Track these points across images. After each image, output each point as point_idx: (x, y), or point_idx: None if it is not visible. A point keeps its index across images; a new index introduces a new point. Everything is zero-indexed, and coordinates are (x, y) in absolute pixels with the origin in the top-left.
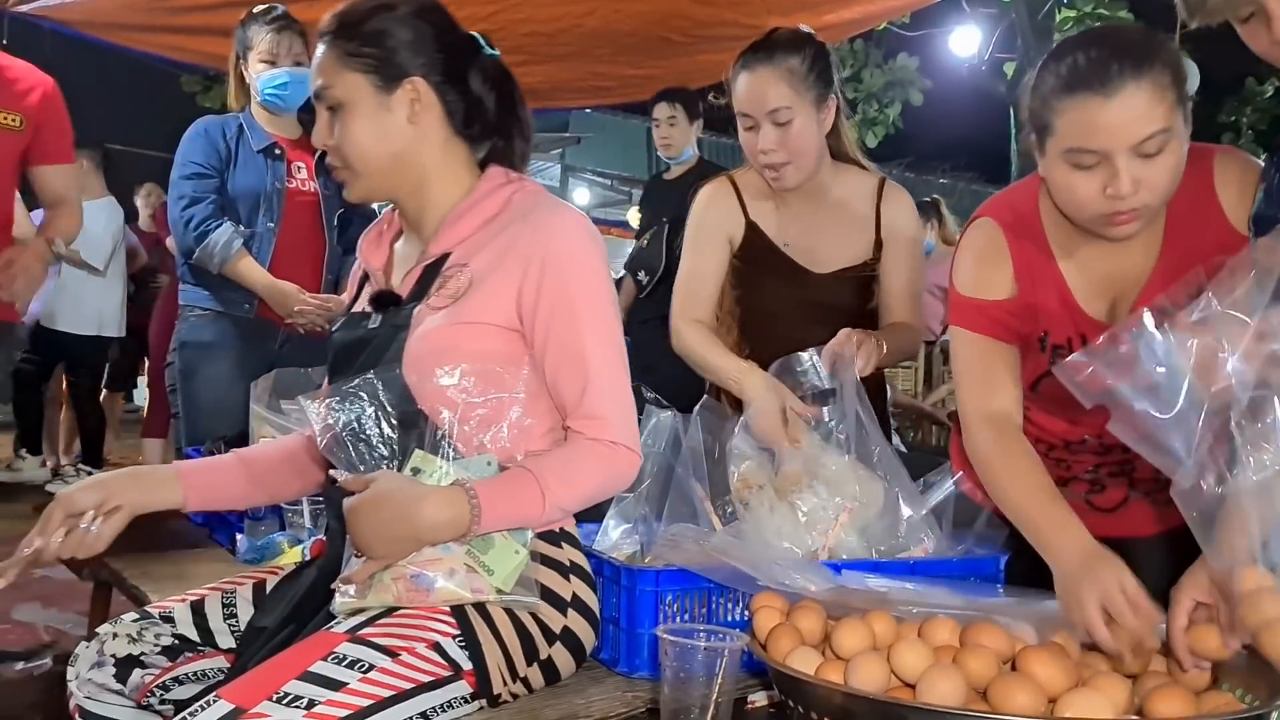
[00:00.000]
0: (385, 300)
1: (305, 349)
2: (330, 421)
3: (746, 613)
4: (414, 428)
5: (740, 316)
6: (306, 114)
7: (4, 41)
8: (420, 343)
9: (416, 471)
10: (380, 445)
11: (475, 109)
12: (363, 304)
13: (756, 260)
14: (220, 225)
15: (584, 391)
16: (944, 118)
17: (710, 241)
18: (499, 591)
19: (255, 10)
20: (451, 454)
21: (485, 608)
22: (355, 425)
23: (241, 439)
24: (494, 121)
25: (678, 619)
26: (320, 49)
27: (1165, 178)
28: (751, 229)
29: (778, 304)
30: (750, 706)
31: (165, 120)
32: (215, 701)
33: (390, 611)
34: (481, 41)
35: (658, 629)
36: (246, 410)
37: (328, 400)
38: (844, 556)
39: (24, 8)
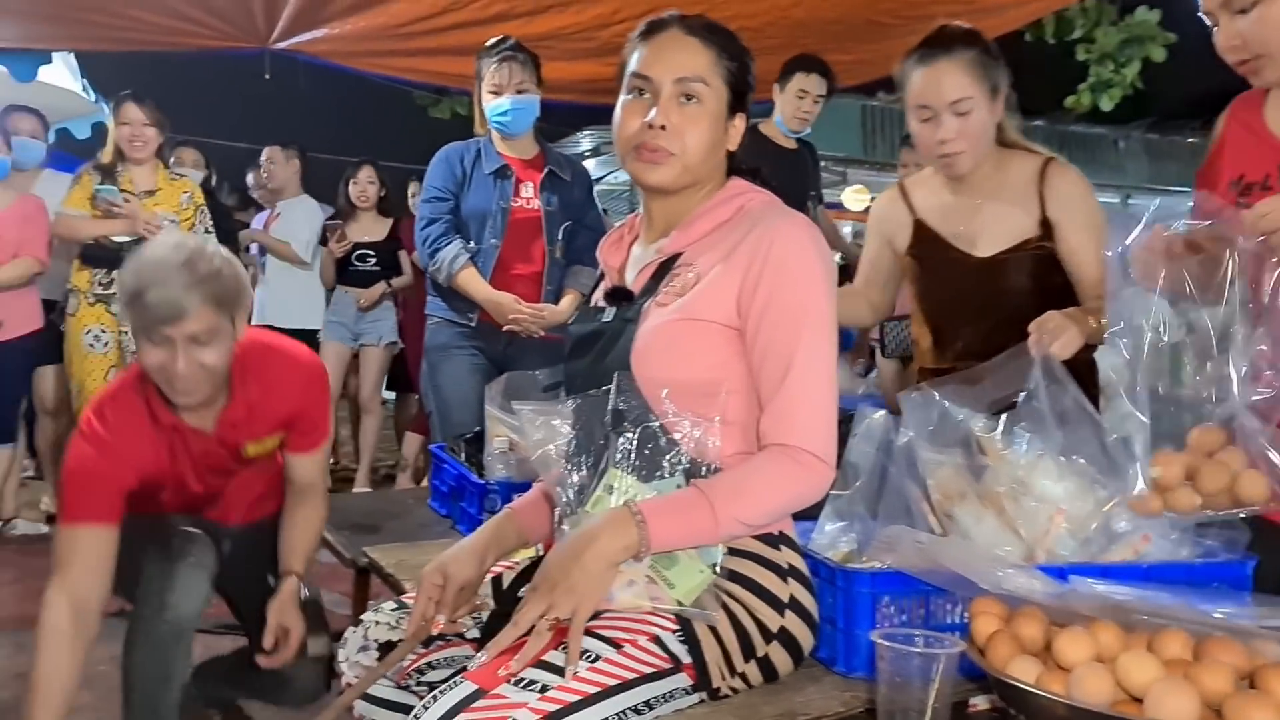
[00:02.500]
0: (618, 295)
1: (530, 349)
2: (538, 437)
3: (966, 616)
4: (619, 435)
5: (927, 311)
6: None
7: (267, 76)
8: (648, 337)
9: (610, 489)
10: (581, 463)
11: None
12: (599, 300)
13: (928, 255)
14: (450, 243)
15: (779, 389)
16: (1190, 73)
17: (873, 242)
18: (679, 603)
19: (487, 44)
20: (645, 471)
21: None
22: (565, 441)
23: (479, 437)
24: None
25: (895, 621)
26: (700, 40)
27: None
28: (920, 227)
29: (954, 292)
30: (972, 710)
31: (402, 133)
32: (460, 682)
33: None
34: None
35: (873, 634)
36: (484, 409)
37: (542, 416)
38: (1063, 554)
39: (282, 45)
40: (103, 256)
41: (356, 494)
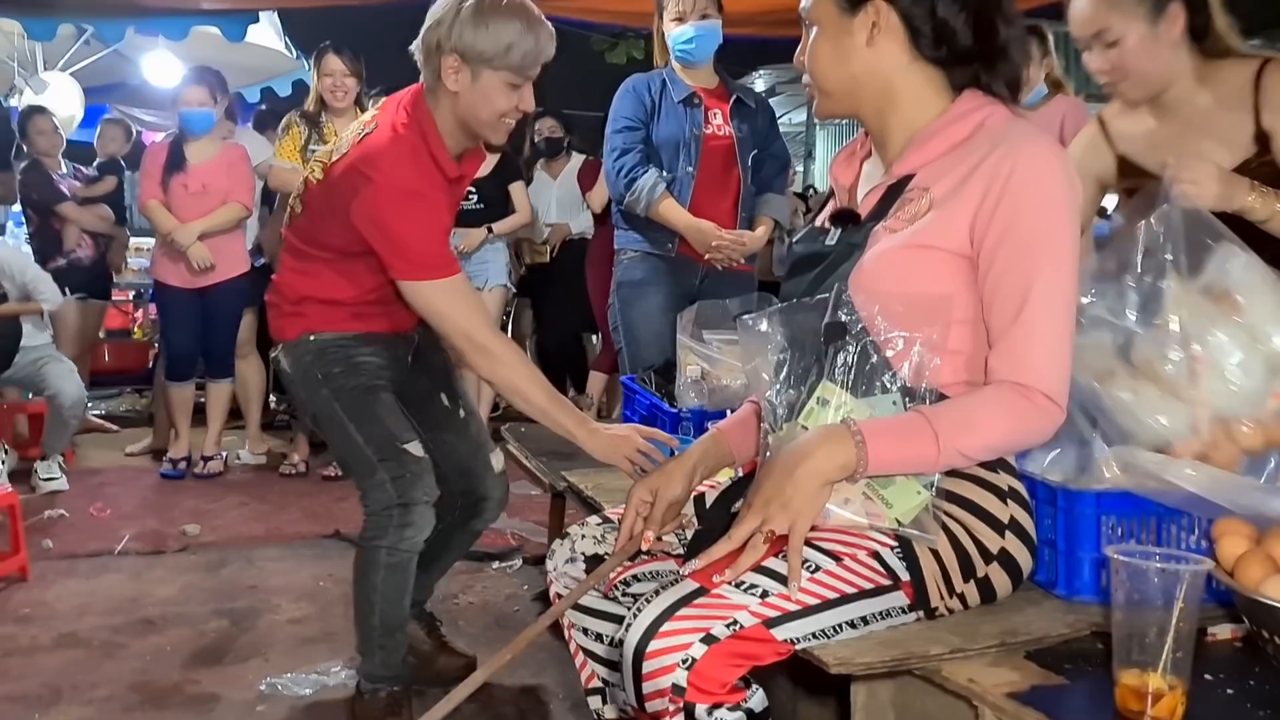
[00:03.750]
0: (845, 218)
1: (724, 283)
2: (754, 346)
3: (1204, 542)
4: (838, 350)
5: None
6: None
7: None
8: (873, 262)
9: (823, 402)
10: (791, 377)
11: (943, 32)
12: (825, 220)
13: (1137, 193)
14: (646, 172)
15: (1011, 326)
16: None
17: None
18: (897, 523)
19: None
20: (862, 387)
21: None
22: (780, 350)
23: (669, 367)
24: (968, 46)
25: (1122, 543)
26: None
27: None
28: (1125, 164)
29: None
30: (1212, 639)
31: (579, 78)
32: (682, 580)
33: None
34: None
35: (1109, 549)
36: (674, 341)
37: (760, 323)
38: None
39: None
40: None
41: None
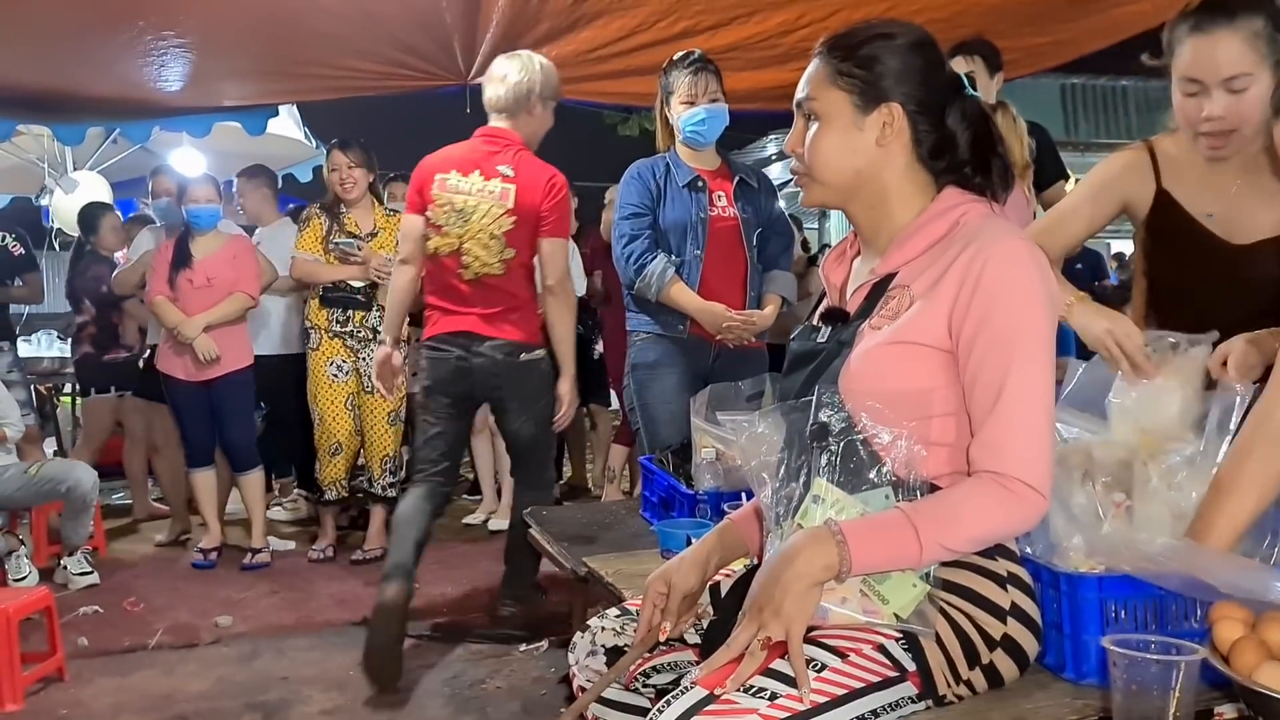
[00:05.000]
0: (834, 316)
1: (737, 360)
2: (747, 448)
3: (1206, 623)
4: (823, 450)
5: (1148, 290)
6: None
7: (468, 110)
8: (858, 360)
9: (817, 499)
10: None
11: (946, 143)
12: (817, 318)
13: (1170, 234)
14: (655, 257)
15: (988, 417)
16: None
17: (1100, 200)
18: (895, 617)
19: (675, 58)
20: (853, 483)
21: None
22: (777, 450)
23: (687, 448)
24: (964, 158)
25: (1126, 627)
26: (814, 63)
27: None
28: (1164, 200)
29: (1192, 279)
30: (1220, 718)
31: (593, 152)
32: (692, 688)
33: None
34: (966, 83)
35: (1104, 640)
36: (690, 421)
37: (747, 427)
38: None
39: (480, 80)
40: (339, 298)
41: (570, 506)
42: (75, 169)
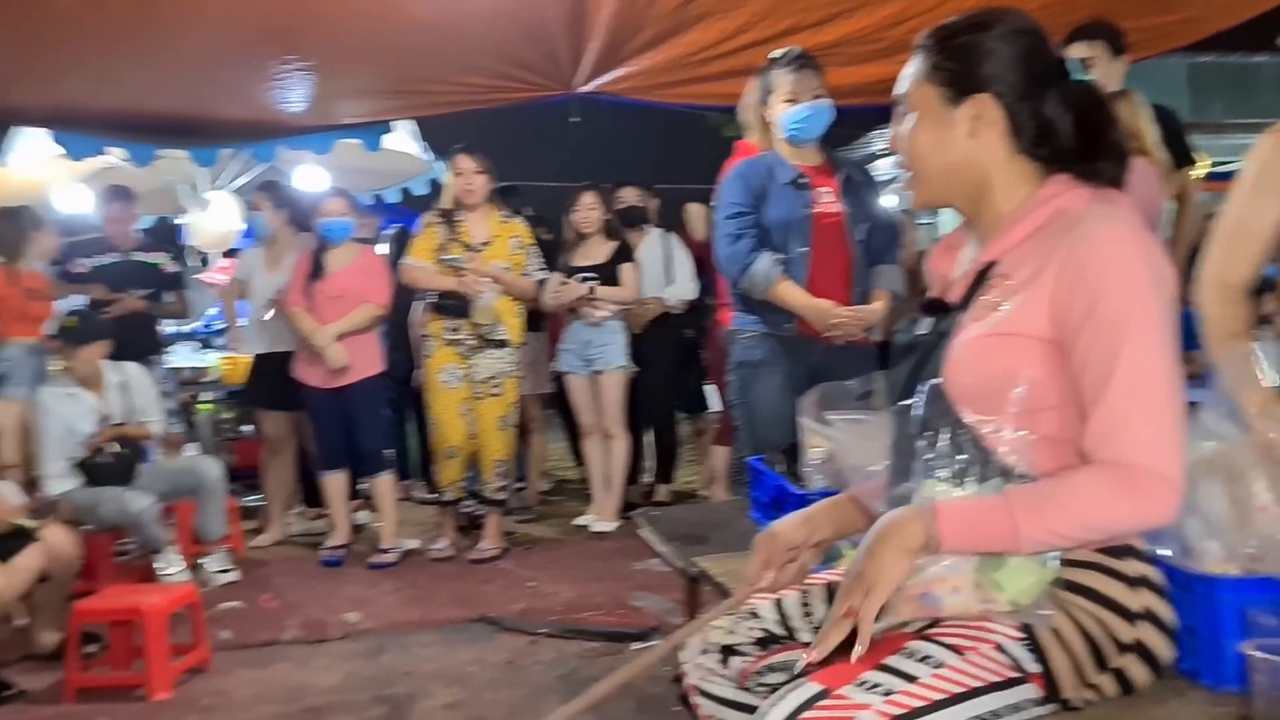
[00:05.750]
0: (934, 307)
1: (844, 357)
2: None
3: None
4: (931, 446)
5: None
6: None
7: (574, 119)
8: (959, 351)
9: (927, 500)
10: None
11: (1047, 131)
12: (920, 308)
13: None
14: (760, 256)
15: (1099, 404)
16: None
17: (1273, 192)
18: (1013, 605)
19: (773, 56)
20: (961, 479)
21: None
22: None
23: (793, 450)
24: (1071, 145)
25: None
26: (913, 57)
27: None
28: None
29: None
30: None
31: (697, 154)
32: (804, 683)
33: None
34: (1071, 68)
35: (1245, 645)
36: (796, 421)
37: (856, 427)
38: None
39: (586, 88)
40: (449, 308)
41: (679, 507)
42: (209, 189)
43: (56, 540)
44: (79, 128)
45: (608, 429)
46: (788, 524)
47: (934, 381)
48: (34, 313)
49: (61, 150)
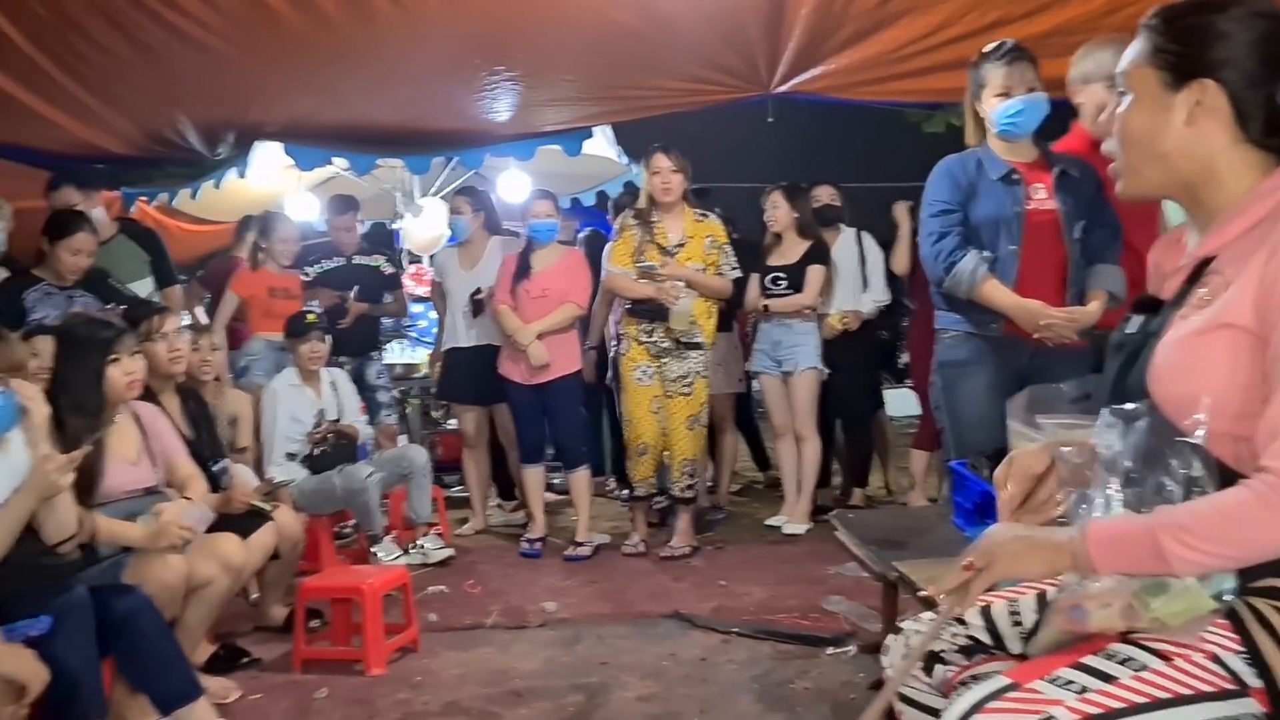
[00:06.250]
0: (1146, 305)
1: (1056, 359)
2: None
3: None
4: (1138, 460)
5: None
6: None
7: (770, 119)
8: (1166, 352)
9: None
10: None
11: (1278, 120)
12: (1132, 306)
13: None
14: (966, 254)
15: (1269, 404)
16: None
17: None
18: (1156, 623)
19: (986, 50)
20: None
21: (1272, 624)
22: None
23: (1000, 454)
24: None
25: None
26: (1136, 38)
27: None
28: None
29: None
30: None
31: (896, 151)
32: (994, 676)
33: None
34: None
35: None
36: (1004, 425)
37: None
38: None
39: (783, 88)
40: (645, 312)
41: (876, 510)
42: (421, 195)
43: (286, 521)
44: (308, 140)
45: (798, 431)
46: (1030, 452)
47: (1138, 387)
48: (278, 310)
49: (291, 162)
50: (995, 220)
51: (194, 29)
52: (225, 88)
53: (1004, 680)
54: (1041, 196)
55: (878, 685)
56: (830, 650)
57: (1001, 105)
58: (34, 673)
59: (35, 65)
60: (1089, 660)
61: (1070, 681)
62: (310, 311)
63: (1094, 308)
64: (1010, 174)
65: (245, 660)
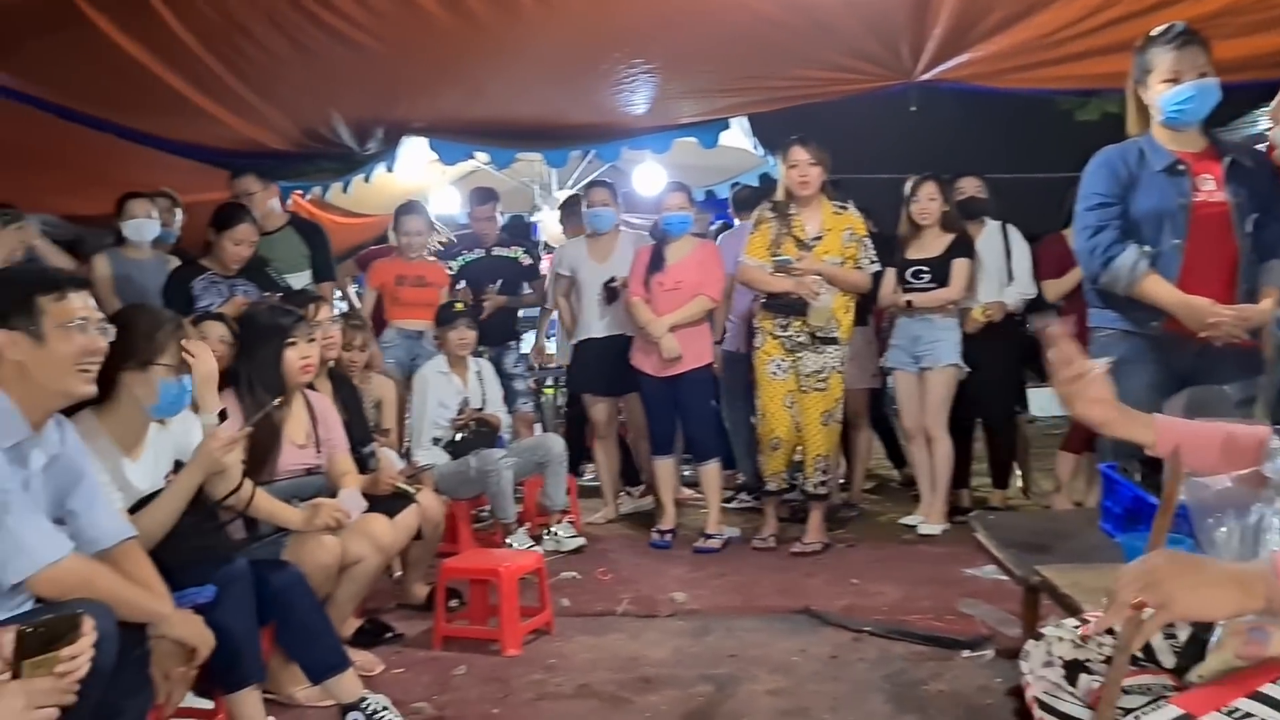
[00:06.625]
0: None
1: (1222, 360)
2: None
3: None
4: None
5: None
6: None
7: (914, 108)
8: None
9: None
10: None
11: None
12: None
13: None
14: (1125, 249)
15: None
16: None
17: None
18: None
19: (1153, 34)
20: None
21: None
22: None
23: (1154, 458)
24: None
25: None
26: None
27: None
28: None
29: None
30: None
31: (1045, 141)
32: (1165, 706)
33: None
34: None
35: None
36: None
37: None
38: None
39: (927, 76)
40: (780, 307)
41: (1017, 513)
42: (558, 188)
43: (429, 503)
44: (451, 135)
45: (928, 430)
46: None
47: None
48: (405, 298)
49: (436, 156)
50: (1158, 213)
51: (349, 29)
52: (376, 85)
53: (1176, 710)
54: (1210, 188)
55: (1015, 692)
56: (966, 653)
57: (1170, 91)
58: (203, 637)
59: (205, 66)
60: (1268, 689)
61: (1248, 714)
62: (458, 300)
63: (1266, 305)
64: (1175, 165)
65: (388, 635)
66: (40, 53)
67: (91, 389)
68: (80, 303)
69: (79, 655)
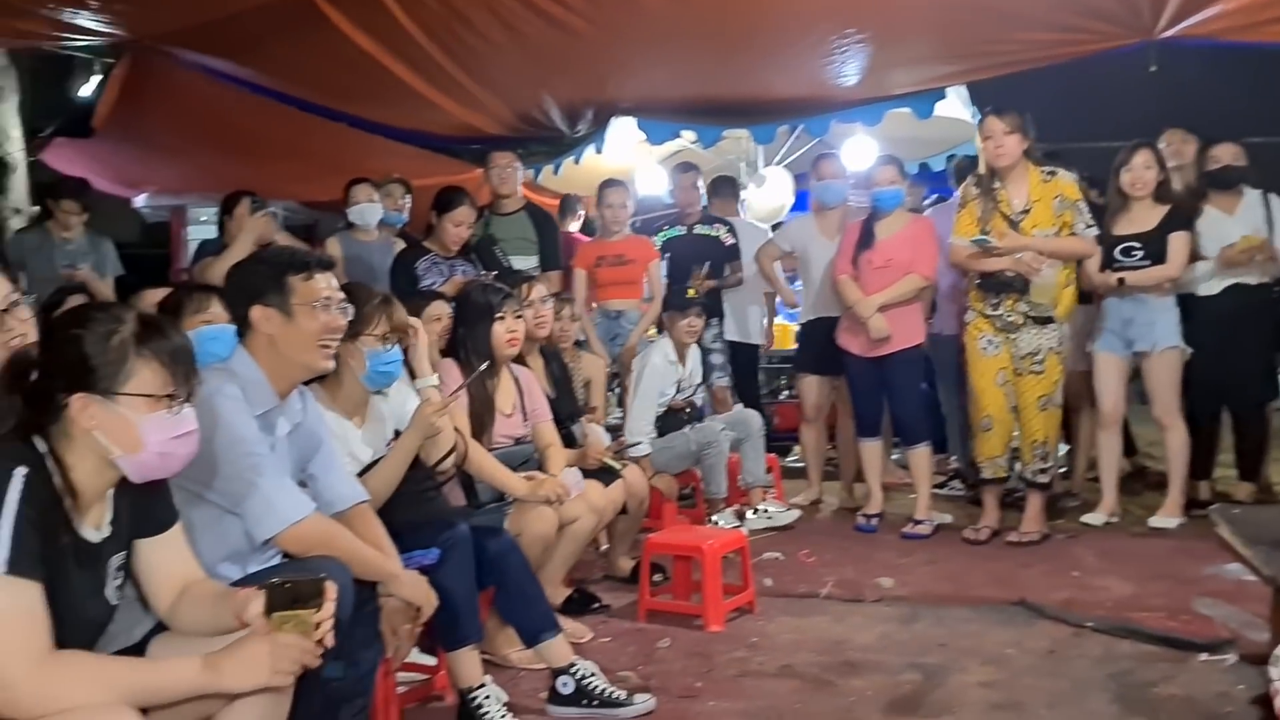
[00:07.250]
0: None
1: None
2: None
3: None
4: None
5: None
6: None
7: (1153, 68)
8: None
9: None
10: None
11: None
12: None
13: None
14: None
15: None
16: None
17: None
18: None
19: None
20: None
21: None
22: None
23: None
24: None
25: None
26: None
27: None
28: None
29: None
30: None
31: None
32: None
33: None
34: None
35: None
36: None
37: None
38: None
39: (1170, 32)
40: (992, 285)
41: (1270, 509)
42: (765, 164)
43: (634, 479)
44: (659, 115)
45: (1160, 418)
46: None
47: None
48: (603, 278)
49: (644, 136)
50: None
51: (560, 12)
52: (586, 67)
53: None
54: None
55: (1262, 700)
56: (1204, 657)
57: None
58: (428, 597)
59: (427, 55)
60: None
61: None
62: (691, 287)
63: None
64: None
65: (595, 606)
66: (281, 49)
67: (330, 364)
68: (325, 283)
69: (325, 620)
